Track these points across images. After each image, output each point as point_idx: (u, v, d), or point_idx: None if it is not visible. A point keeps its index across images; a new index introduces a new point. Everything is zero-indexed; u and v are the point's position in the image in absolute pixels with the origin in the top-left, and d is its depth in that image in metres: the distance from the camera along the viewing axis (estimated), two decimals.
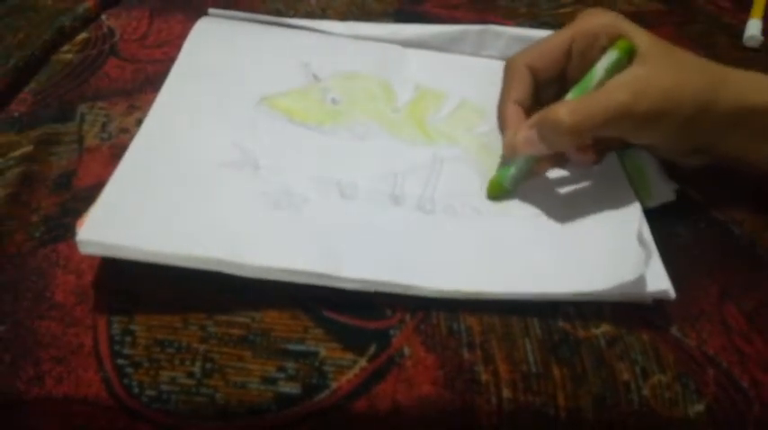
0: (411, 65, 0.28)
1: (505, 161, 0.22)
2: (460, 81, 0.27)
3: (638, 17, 0.33)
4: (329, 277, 0.19)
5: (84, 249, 0.18)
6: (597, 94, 0.20)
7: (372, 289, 0.19)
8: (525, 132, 0.21)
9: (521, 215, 0.22)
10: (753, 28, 0.32)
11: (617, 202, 0.22)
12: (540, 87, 0.23)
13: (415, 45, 0.29)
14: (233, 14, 0.29)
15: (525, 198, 0.22)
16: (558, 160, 0.22)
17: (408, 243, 0.20)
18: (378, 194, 0.22)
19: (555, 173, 0.23)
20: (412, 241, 0.20)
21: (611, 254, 0.20)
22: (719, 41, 0.32)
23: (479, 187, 0.23)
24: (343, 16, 0.31)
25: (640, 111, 0.19)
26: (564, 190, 0.23)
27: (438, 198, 0.22)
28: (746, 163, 0.22)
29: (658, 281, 0.19)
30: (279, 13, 0.31)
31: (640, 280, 0.19)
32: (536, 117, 0.21)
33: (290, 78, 0.26)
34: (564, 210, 0.22)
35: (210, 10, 0.29)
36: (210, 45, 0.27)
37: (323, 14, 0.32)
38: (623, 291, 0.19)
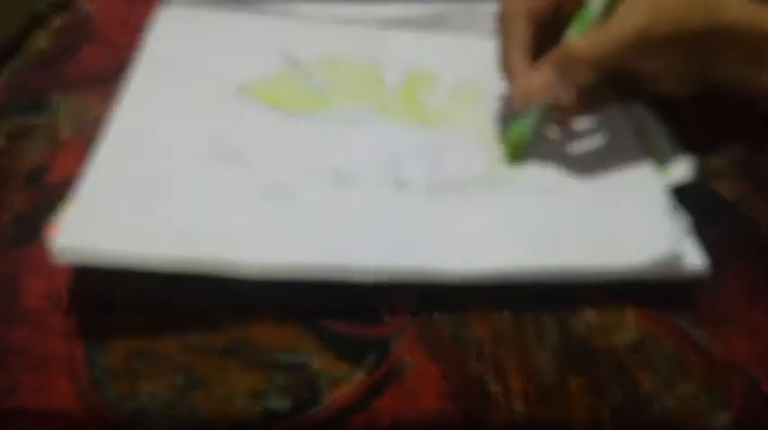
0: (397, 46, 0.26)
1: (515, 117, 0.21)
2: (451, 60, 0.26)
3: None
4: (336, 269, 0.17)
5: (62, 258, 0.16)
6: (611, 22, 0.19)
7: (384, 278, 0.17)
8: (542, 76, 0.20)
9: (536, 189, 0.21)
10: None
11: (638, 176, 0.21)
12: (538, 32, 0.22)
13: (398, 25, 0.27)
14: (194, 0, 0.27)
15: (539, 172, 0.21)
16: (566, 112, 0.22)
17: (419, 225, 0.19)
18: (380, 180, 0.20)
19: (571, 148, 0.22)
20: (422, 223, 0.19)
21: (643, 227, 0.19)
22: None
23: (488, 165, 0.22)
24: None
25: (657, 34, 0.19)
26: (579, 163, 0.22)
27: (445, 179, 0.21)
28: (741, 90, 0.21)
29: (692, 257, 0.18)
30: None
31: (676, 255, 0.18)
32: (551, 57, 0.20)
33: (268, 64, 0.24)
34: (582, 184, 0.21)
35: None
36: (178, 34, 0.25)
37: None
38: (662, 269, 0.18)
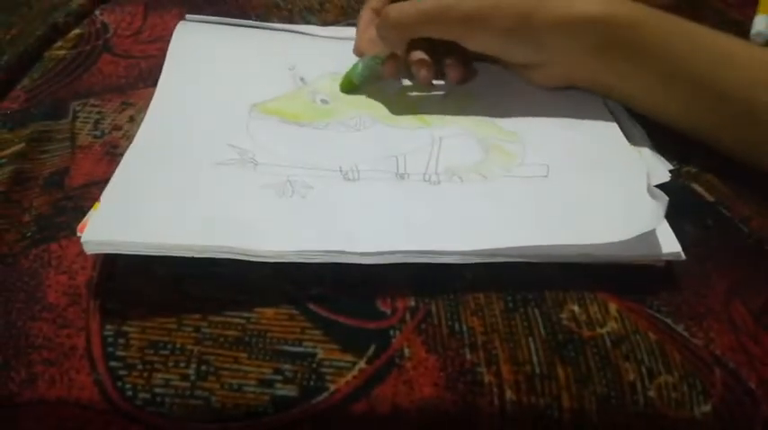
0: None
1: (356, 61, 0.26)
2: None
3: None
4: (345, 253, 0.18)
5: (90, 249, 0.18)
6: None
7: (388, 261, 0.19)
8: (369, 33, 0.24)
9: (527, 177, 0.22)
10: (759, 24, 0.32)
11: (622, 164, 0.22)
12: None
13: None
14: (210, 19, 0.28)
15: (530, 161, 0.23)
16: (401, 68, 0.25)
17: (419, 212, 0.20)
18: (382, 174, 0.22)
19: (558, 143, 0.23)
20: (422, 210, 0.20)
21: (623, 207, 0.20)
22: None
23: (483, 157, 0.23)
24: (342, 10, 0.31)
25: (461, 12, 0.21)
26: (569, 156, 0.23)
27: (442, 171, 0.22)
28: (583, 82, 0.23)
29: (669, 243, 0.19)
30: (277, 8, 0.30)
31: (653, 235, 0.19)
32: (378, 19, 0.23)
33: (278, 83, 0.26)
34: (569, 173, 0.22)
35: (188, 16, 0.28)
36: (195, 52, 0.27)
37: (321, 8, 0.31)
38: (639, 248, 0.19)
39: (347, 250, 0.18)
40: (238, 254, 0.18)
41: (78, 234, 0.18)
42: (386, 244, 0.19)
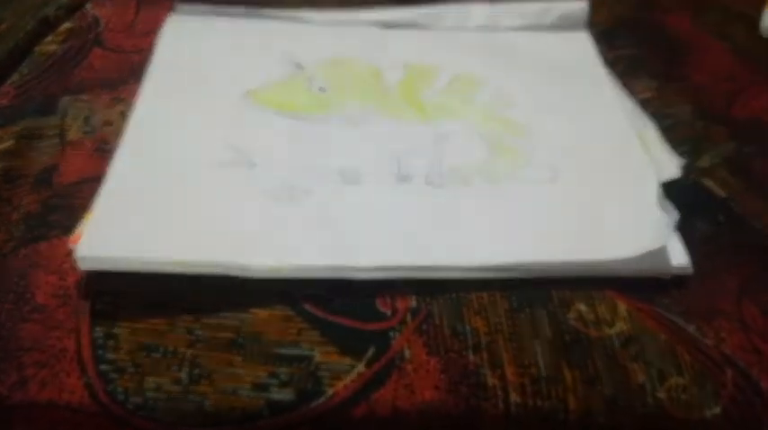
0: (395, 44, 0.27)
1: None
2: (450, 54, 0.26)
3: (651, 5, 0.32)
4: (344, 268, 0.18)
5: (85, 265, 0.17)
6: None
7: (392, 276, 0.18)
8: None
9: (534, 181, 0.21)
10: None
11: (633, 170, 0.22)
12: None
13: (396, 26, 0.28)
14: (201, 9, 0.28)
15: (538, 163, 0.22)
16: None
17: (422, 220, 0.20)
18: (383, 177, 0.21)
19: (566, 139, 0.23)
20: (425, 218, 0.20)
21: (632, 221, 0.20)
22: (736, 31, 0.31)
23: (488, 156, 0.22)
24: (341, 2, 0.30)
25: None
26: (577, 156, 0.22)
27: (446, 172, 0.21)
28: None
29: (677, 255, 0.19)
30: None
31: (663, 251, 0.18)
32: None
33: (273, 69, 0.25)
34: (576, 179, 0.21)
35: (177, 4, 0.28)
36: (186, 42, 0.26)
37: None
38: (647, 263, 0.18)
39: (347, 265, 0.18)
40: (237, 271, 0.17)
41: (71, 246, 0.18)
42: (387, 258, 0.18)
